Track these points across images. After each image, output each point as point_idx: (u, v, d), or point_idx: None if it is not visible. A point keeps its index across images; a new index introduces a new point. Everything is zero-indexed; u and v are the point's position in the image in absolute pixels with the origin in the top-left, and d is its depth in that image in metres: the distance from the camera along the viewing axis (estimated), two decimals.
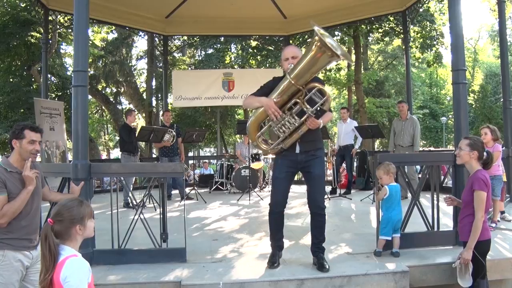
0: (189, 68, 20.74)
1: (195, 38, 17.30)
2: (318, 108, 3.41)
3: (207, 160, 16.77)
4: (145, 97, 20.84)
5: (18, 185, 2.79)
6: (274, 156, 3.76)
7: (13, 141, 2.84)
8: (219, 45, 19.18)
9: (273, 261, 3.68)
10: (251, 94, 3.67)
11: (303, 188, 8.82)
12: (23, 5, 14.34)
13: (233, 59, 20.35)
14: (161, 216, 4.06)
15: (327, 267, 3.52)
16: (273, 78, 3.73)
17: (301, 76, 3.35)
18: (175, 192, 8.53)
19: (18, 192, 2.76)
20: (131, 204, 7.24)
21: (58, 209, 2.09)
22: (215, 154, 22.41)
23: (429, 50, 17.52)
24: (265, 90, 3.63)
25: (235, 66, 19.05)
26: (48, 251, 1.98)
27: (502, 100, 7.27)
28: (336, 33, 17.28)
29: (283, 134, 3.47)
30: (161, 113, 19.58)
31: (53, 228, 2.03)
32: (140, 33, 12.96)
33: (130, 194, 4.59)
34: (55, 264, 1.97)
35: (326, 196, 7.99)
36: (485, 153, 3.48)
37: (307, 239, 4.70)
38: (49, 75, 13.79)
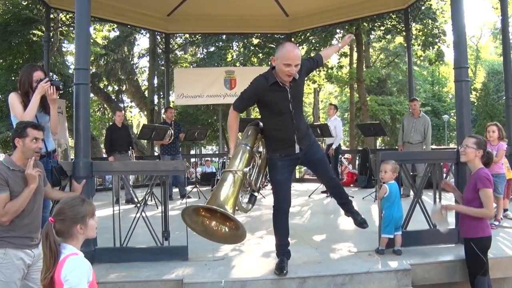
0: (191, 66, 20.69)
1: (197, 36, 17.26)
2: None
3: (209, 158, 16.79)
4: (147, 95, 20.83)
5: (21, 183, 2.79)
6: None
7: (16, 139, 2.84)
8: (221, 43, 19.13)
9: (282, 267, 3.45)
10: (235, 109, 3.51)
11: (304, 186, 8.82)
12: (24, 3, 14.33)
13: (235, 57, 20.28)
14: (163, 214, 4.06)
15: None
16: (254, 82, 3.46)
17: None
18: (175, 190, 8.51)
19: (20, 190, 2.76)
20: (135, 199, 7.34)
21: (59, 207, 2.08)
22: (217, 152, 22.37)
23: (431, 48, 17.43)
24: (247, 103, 3.57)
25: (237, 64, 18.97)
26: (49, 250, 1.97)
27: (504, 98, 7.26)
28: (338, 30, 17.23)
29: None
30: (163, 111, 19.56)
31: (54, 227, 2.03)
32: (142, 31, 13.00)
33: (132, 192, 4.60)
34: (55, 262, 1.97)
35: (326, 195, 7.97)
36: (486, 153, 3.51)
37: (309, 237, 4.70)
38: (51, 73, 13.80)
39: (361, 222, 3.88)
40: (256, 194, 3.60)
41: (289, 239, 3.67)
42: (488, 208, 3.34)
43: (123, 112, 8.54)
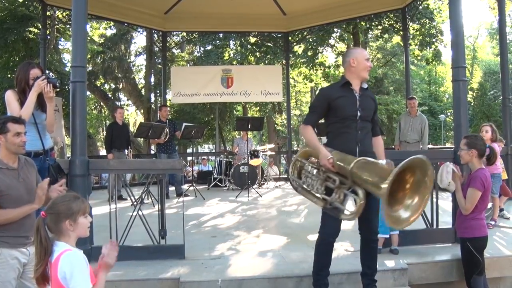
0: (188, 65, 20.64)
1: (194, 35, 17.22)
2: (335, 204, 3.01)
3: (205, 157, 16.76)
4: (143, 93, 20.78)
5: (9, 181, 2.68)
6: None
7: None
8: (218, 42, 19.10)
9: None
10: (307, 124, 3.28)
11: None
12: (21, 0, 14.26)
13: (232, 55, 20.25)
14: (160, 212, 4.05)
15: None
16: (321, 90, 3.49)
17: (359, 176, 2.83)
18: (171, 188, 8.50)
19: (8, 189, 2.66)
20: (123, 196, 7.53)
21: (52, 202, 2.08)
22: (213, 151, 22.35)
23: (428, 47, 17.47)
24: (319, 112, 3.30)
25: (234, 63, 18.95)
26: (39, 243, 1.96)
27: (501, 97, 7.28)
28: (336, 29, 17.24)
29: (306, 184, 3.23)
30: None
31: (45, 221, 2.01)
32: (139, 29, 12.92)
33: (128, 191, 4.59)
34: (46, 256, 1.95)
35: None
36: (487, 149, 3.49)
37: (306, 236, 4.69)
38: (47, 71, 13.75)
39: None
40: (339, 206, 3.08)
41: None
42: (467, 205, 3.38)
43: (123, 109, 8.53)
